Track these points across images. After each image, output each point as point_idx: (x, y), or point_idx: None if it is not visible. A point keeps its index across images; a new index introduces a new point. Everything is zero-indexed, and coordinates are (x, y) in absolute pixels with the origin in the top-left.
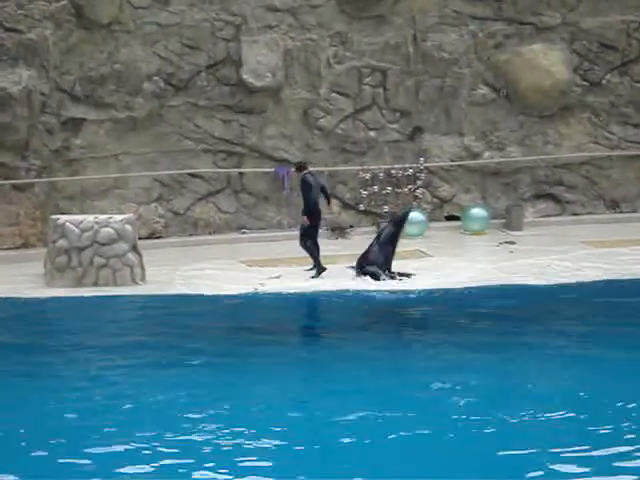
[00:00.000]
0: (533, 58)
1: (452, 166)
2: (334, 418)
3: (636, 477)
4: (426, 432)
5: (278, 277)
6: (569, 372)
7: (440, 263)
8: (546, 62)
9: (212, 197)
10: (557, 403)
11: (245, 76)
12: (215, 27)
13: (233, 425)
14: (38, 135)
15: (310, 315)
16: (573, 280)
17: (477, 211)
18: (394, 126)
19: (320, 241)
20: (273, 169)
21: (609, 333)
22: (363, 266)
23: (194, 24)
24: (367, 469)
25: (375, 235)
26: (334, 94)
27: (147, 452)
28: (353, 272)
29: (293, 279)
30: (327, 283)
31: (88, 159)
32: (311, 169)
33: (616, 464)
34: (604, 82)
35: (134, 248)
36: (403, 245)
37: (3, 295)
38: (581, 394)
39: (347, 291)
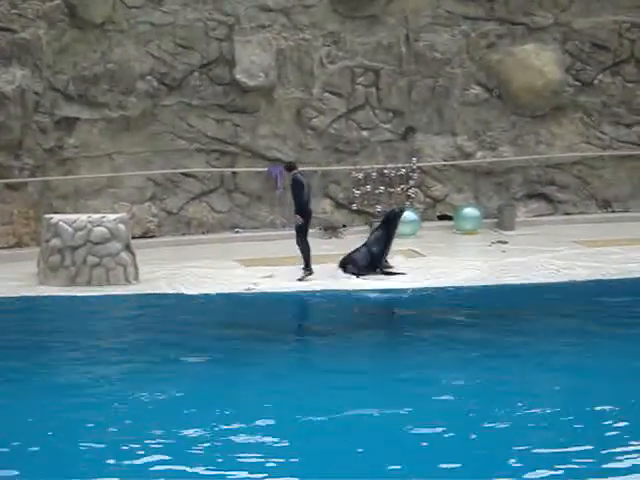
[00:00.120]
0: (525, 58)
1: (445, 166)
2: (331, 415)
3: (628, 477)
4: (424, 431)
5: (271, 276)
6: (562, 372)
7: (432, 263)
8: (538, 62)
9: (205, 196)
10: (551, 402)
11: (238, 76)
12: (208, 27)
13: (229, 423)
14: (32, 134)
15: (303, 314)
16: (565, 279)
17: (469, 211)
18: (387, 126)
19: (313, 241)
20: (266, 169)
21: (601, 332)
22: (345, 264)
23: (187, 24)
24: (366, 468)
25: (368, 234)
26: (327, 94)
27: (142, 451)
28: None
29: (286, 278)
30: (320, 282)
31: (81, 158)
32: (301, 169)
33: (607, 466)
34: (596, 82)
35: (127, 247)
36: (396, 244)
37: None
38: (574, 393)
39: (340, 290)
